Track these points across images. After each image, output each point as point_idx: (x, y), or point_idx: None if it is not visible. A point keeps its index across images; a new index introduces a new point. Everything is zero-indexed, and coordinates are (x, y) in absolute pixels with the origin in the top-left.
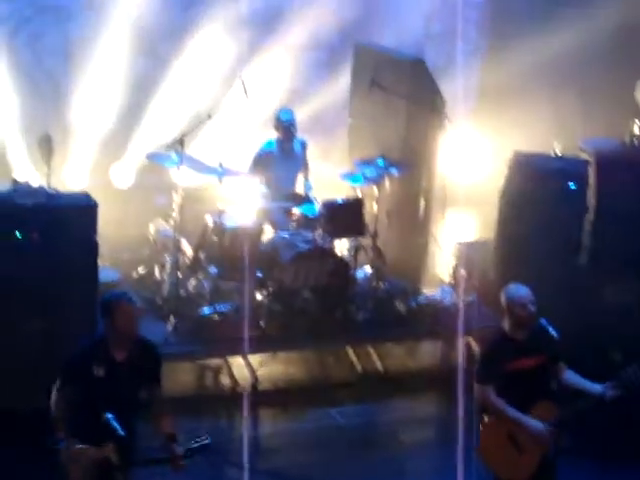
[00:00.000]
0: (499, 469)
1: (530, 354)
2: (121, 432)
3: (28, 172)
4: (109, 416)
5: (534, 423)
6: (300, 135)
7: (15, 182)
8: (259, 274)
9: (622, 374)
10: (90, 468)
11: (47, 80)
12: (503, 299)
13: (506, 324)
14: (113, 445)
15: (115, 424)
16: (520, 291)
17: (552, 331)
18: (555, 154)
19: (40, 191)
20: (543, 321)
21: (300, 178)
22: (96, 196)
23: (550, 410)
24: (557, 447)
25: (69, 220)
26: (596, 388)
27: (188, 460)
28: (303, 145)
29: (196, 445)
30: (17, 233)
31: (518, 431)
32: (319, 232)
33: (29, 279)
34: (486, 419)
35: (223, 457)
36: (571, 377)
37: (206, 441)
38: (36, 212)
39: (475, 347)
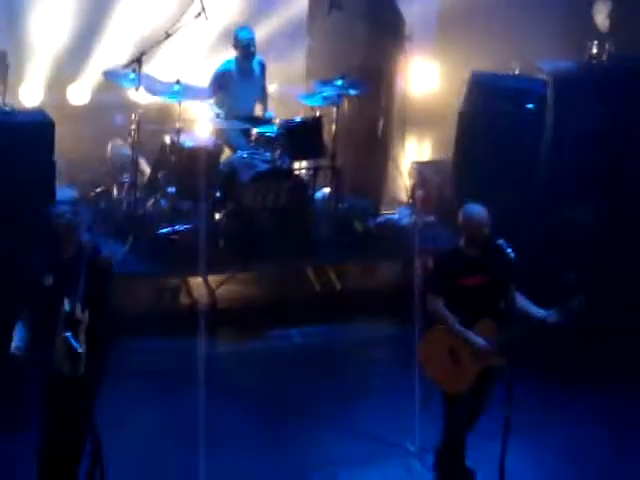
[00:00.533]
0: (439, 379)
1: (481, 272)
2: (79, 349)
3: None
4: (67, 334)
5: (475, 338)
6: (258, 55)
7: None
8: (217, 194)
9: (567, 302)
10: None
11: None
12: (460, 217)
13: (461, 240)
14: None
15: (73, 341)
16: (476, 210)
17: (509, 252)
18: (513, 74)
19: None
20: (501, 241)
21: (259, 99)
22: (53, 115)
23: (493, 329)
24: (501, 365)
25: (25, 138)
26: (540, 313)
27: None
28: (262, 65)
29: None
30: None
31: (459, 344)
32: (278, 152)
33: None
34: (430, 331)
35: (182, 376)
36: (519, 300)
37: None
38: None
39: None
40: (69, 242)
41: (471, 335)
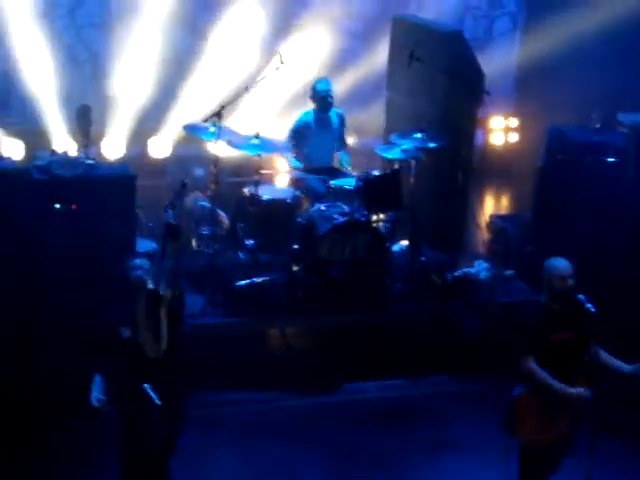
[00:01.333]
0: (528, 437)
1: (567, 326)
2: (157, 402)
3: (67, 143)
4: (146, 386)
5: (575, 390)
6: (336, 108)
7: (54, 153)
8: (295, 246)
9: None
10: None
11: (86, 51)
12: (544, 270)
13: (544, 296)
14: None
15: (152, 393)
16: (560, 264)
17: (590, 307)
18: (593, 127)
19: (79, 162)
20: (581, 296)
21: (337, 151)
22: (134, 168)
23: (583, 384)
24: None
25: (108, 191)
26: (626, 367)
27: None
28: (340, 117)
29: None
30: (56, 205)
31: (554, 401)
32: (356, 205)
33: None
34: (521, 391)
35: (258, 428)
36: (602, 355)
37: None
38: (75, 183)
39: (511, 322)
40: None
41: (570, 389)
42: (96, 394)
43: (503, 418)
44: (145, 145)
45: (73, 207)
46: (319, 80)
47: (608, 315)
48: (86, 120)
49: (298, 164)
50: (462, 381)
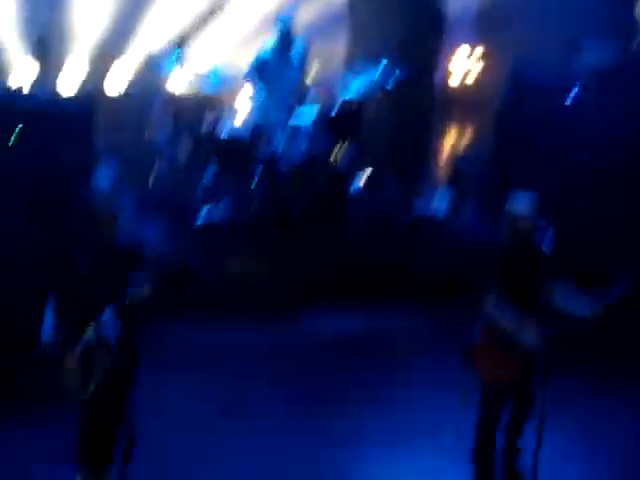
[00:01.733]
0: (484, 372)
1: (529, 265)
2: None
3: (24, 76)
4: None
5: (526, 330)
6: (300, 37)
7: (9, 88)
8: (256, 180)
9: (612, 291)
10: None
11: None
12: (505, 211)
13: (508, 234)
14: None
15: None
16: (521, 203)
17: (547, 244)
18: (556, 66)
19: (35, 96)
20: (539, 234)
21: (300, 83)
22: (92, 102)
23: (540, 321)
24: (544, 358)
25: (66, 125)
26: (583, 309)
27: None
28: (304, 48)
29: None
30: (12, 139)
31: (509, 338)
32: (318, 138)
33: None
34: (480, 326)
35: (218, 359)
36: (564, 291)
37: None
38: (32, 117)
39: (472, 256)
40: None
41: (521, 329)
42: (47, 330)
43: (463, 355)
44: (103, 79)
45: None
46: (283, 13)
47: (569, 253)
48: (43, 52)
49: (259, 97)
50: (425, 315)
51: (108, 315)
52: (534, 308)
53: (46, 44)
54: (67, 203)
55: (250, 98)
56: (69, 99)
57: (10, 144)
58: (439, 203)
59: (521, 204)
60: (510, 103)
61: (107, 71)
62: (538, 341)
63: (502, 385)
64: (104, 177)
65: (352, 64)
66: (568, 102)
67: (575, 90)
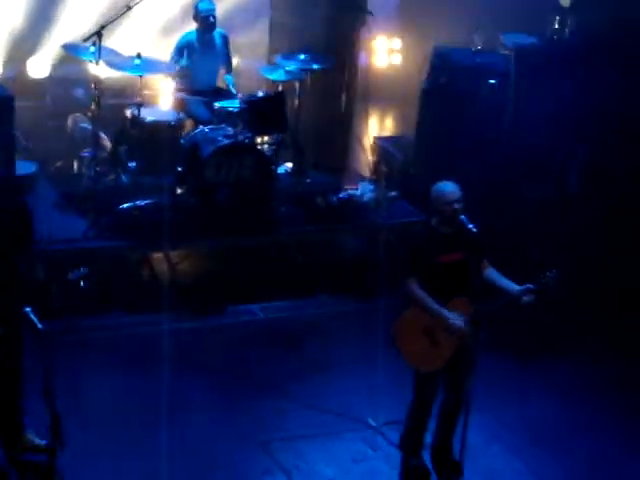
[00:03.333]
0: (413, 359)
1: (455, 249)
2: (40, 325)
3: None
4: (28, 310)
5: (452, 316)
6: (220, 28)
7: None
8: (179, 169)
9: (541, 279)
10: None
11: None
12: (431, 195)
13: (433, 219)
14: None
15: (33, 317)
16: (448, 187)
17: (472, 227)
18: (475, 49)
19: None
20: (463, 217)
21: (221, 72)
22: (12, 88)
23: (468, 305)
24: (472, 342)
25: None
26: (514, 289)
27: None
28: (224, 38)
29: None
30: None
31: (435, 323)
32: (240, 127)
33: None
34: (405, 311)
35: (143, 352)
36: (492, 275)
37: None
38: None
39: (395, 242)
40: None
41: (447, 314)
42: None
43: (390, 338)
44: (24, 65)
45: None
46: (202, 0)
47: (494, 235)
48: None
49: (182, 83)
50: (347, 302)
51: None
52: (464, 289)
53: None
54: None
55: (174, 81)
56: None
57: None
58: (363, 192)
59: (447, 187)
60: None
61: (28, 57)
62: (466, 323)
63: (432, 370)
64: (24, 166)
65: (273, 55)
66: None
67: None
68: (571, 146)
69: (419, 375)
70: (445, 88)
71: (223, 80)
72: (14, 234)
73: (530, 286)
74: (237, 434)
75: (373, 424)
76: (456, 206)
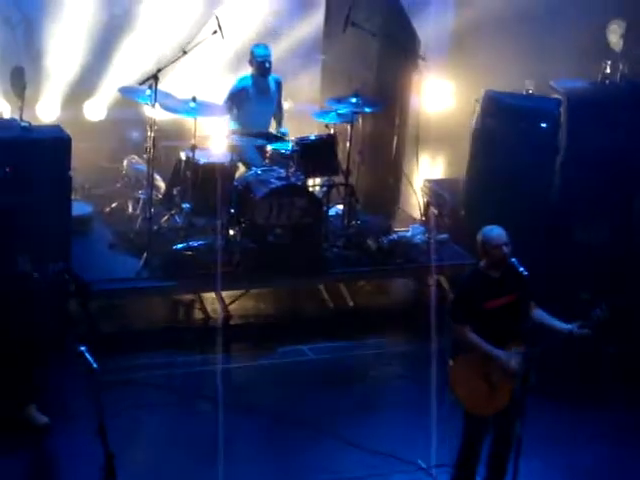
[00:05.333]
0: (469, 403)
1: (505, 292)
2: (94, 365)
3: (1, 106)
4: (82, 349)
5: (507, 357)
6: (274, 73)
7: None
8: (232, 210)
9: (592, 314)
10: None
11: (18, 12)
12: (479, 240)
13: (482, 263)
14: None
15: (89, 357)
16: (495, 232)
17: (522, 270)
18: (527, 93)
19: (13, 124)
20: (513, 260)
21: (274, 117)
22: (69, 130)
23: (520, 347)
24: (526, 384)
25: (42, 154)
26: (565, 327)
27: None
28: (277, 83)
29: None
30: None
31: (490, 367)
32: (292, 169)
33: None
34: (458, 355)
35: (196, 391)
36: (541, 315)
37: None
38: (9, 145)
39: (446, 285)
40: None
41: (502, 354)
42: None
43: (444, 381)
44: (81, 107)
45: (7, 170)
46: (258, 45)
47: (543, 278)
48: (20, 82)
49: (235, 127)
50: (398, 343)
51: None
52: (514, 331)
53: (23, 75)
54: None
55: (227, 125)
56: (50, 125)
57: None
58: (414, 234)
59: (494, 231)
60: (483, 126)
61: (85, 100)
62: (520, 365)
63: (484, 413)
64: (80, 207)
65: (325, 98)
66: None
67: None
68: (624, 191)
69: (469, 417)
70: (496, 131)
71: (276, 126)
72: None
73: (580, 323)
74: (287, 475)
75: (423, 466)
76: (505, 250)
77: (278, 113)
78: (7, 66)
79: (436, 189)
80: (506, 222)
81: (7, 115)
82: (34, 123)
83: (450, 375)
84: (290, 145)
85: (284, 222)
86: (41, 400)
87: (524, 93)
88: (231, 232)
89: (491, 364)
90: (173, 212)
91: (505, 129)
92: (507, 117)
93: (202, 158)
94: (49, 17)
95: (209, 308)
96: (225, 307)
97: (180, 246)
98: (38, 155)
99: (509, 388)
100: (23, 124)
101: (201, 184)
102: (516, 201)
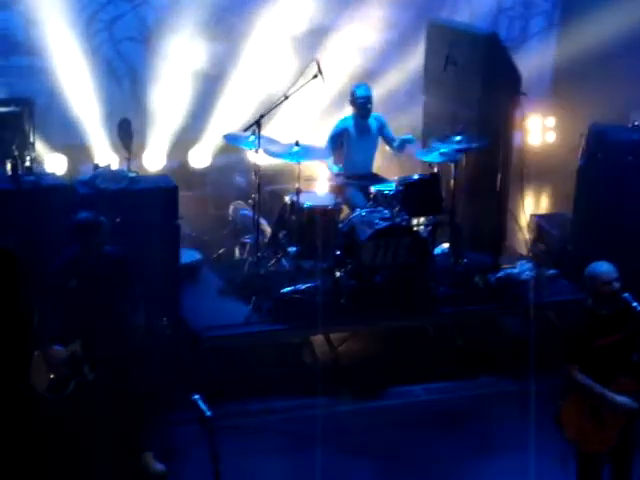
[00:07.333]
0: (581, 442)
1: (614, 330)
2: (208, 413)
3: (109, 157)
4: (196, 397)
5: (620, 398)
6: (375, 112)
7: (97, 167)
8: (338, 252)
9: None
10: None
11: (124, 65)
12: (587, 276)
13: (590, 301)
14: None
15: (202, 405)
16: (604, 267)
17: (636, 305)
18: (632, 125)
19: (122, 175)
20: (627, 295)
21: (390, 143)
22: (175, 178)
23: (632, 384)
24: (637, 422)
25: (150, 203)
26: None
27: None
28: (379, 121)
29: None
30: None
31: (601, 405)
32: (396, 209)
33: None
34: (569, 394)
35: (306, 435)
36: None
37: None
38: (118, 196)
39: (556, 321)
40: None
41: (611, 395)
42: None
43: (554, 422)
44: (186, 156)
45: (117, 220)
46: (359, 86)
47: None
48: (127, 133)
49: (338, 169)
50: (510, 382)
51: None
52: (626, 368)
53: (129, 127)
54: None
55: (330, 167)
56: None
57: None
58: (522, 271)
59: (602, 267)
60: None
61: (190, 148)
62: (632, 403)
63: (595, 450)
64: (188, 254)
65: (427, 137)
66: None
67: None
68: None
69: (583, 457)
70: (602, 165)
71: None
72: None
73: None
74: None
75: None
76: (615, 285)
77: (392, 142)
78: (115, 118)
79: (542, 224)
80: (616, 257)
81: (115, 166)
82: (141, 173)
83: (560, 414)
84: (394, 185)
85: (390, 262)
86: (156, 448)
87: (629, 126)
88: (337, 274)
89: (601, 402)
90: (280, 256)
91: (611, 163)
92: (613, 151)
93: (306, 201)
94: (153, 68)
95: (318, 351)
96: (334, 349)
97: (288, 289)
98: (146, 205)
99: (620, 423)
100: (131, 175)
101: (306, 227)
102: (625, 236)
